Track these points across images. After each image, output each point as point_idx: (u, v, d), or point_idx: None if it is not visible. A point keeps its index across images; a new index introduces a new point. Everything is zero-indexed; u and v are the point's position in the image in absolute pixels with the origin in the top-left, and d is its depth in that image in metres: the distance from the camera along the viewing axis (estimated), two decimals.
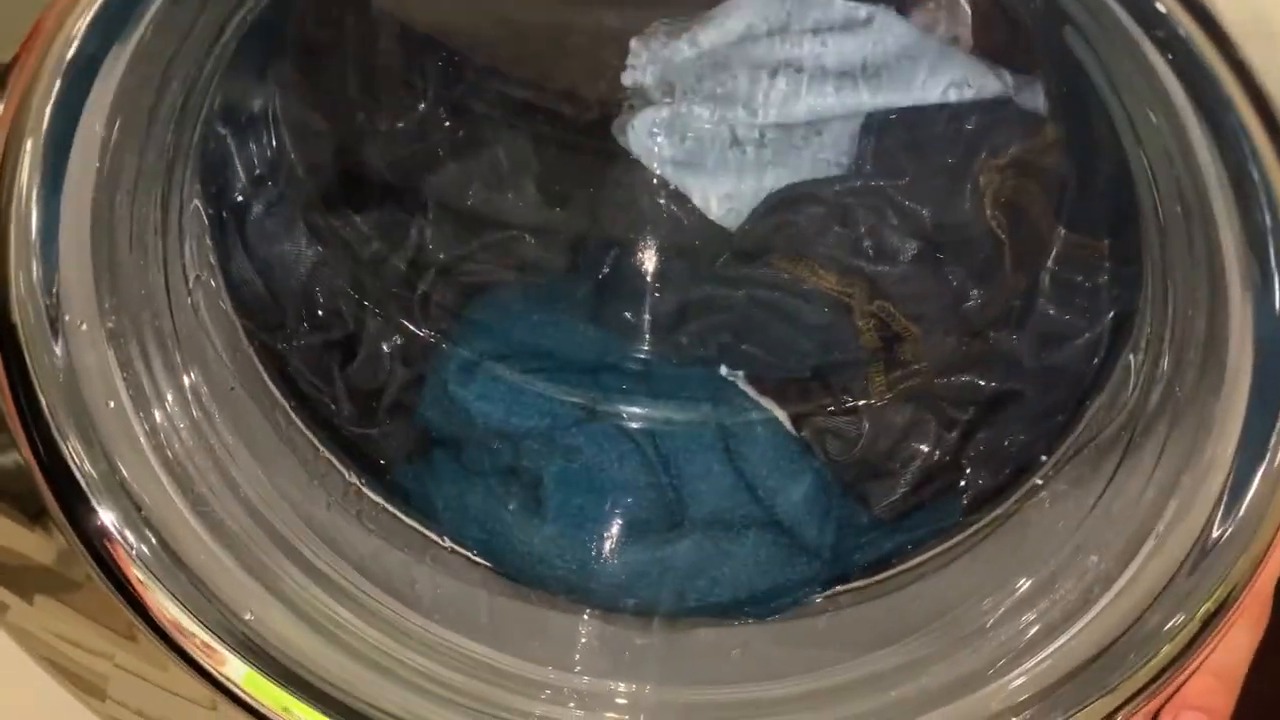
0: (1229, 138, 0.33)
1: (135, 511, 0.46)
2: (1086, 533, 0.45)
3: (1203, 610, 0.38)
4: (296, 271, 0.58)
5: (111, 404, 0.46)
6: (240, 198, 0.56)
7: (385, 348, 0.59)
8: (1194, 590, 0.39)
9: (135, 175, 0.45)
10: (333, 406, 0.58)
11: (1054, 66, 0.52)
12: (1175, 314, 0.42)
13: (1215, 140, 0.34)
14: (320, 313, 0.59)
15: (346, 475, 0.56)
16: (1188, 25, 0.31)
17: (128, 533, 0.45)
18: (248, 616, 0.47)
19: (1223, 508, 0.37)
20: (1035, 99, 0.53)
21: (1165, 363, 0.43)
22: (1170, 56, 0.33)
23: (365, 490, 0.56)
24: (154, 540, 0.46)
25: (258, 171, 0.56)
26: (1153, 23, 0.32)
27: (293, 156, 0.58)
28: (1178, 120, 0.35)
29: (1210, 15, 0.31)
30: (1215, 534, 0.38)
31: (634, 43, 0.55)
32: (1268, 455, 0.35)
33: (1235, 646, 0.40)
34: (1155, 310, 0.44)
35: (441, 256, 0.59)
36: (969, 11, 0.53)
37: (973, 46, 0.53)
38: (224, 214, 0.55)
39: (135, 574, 0.45)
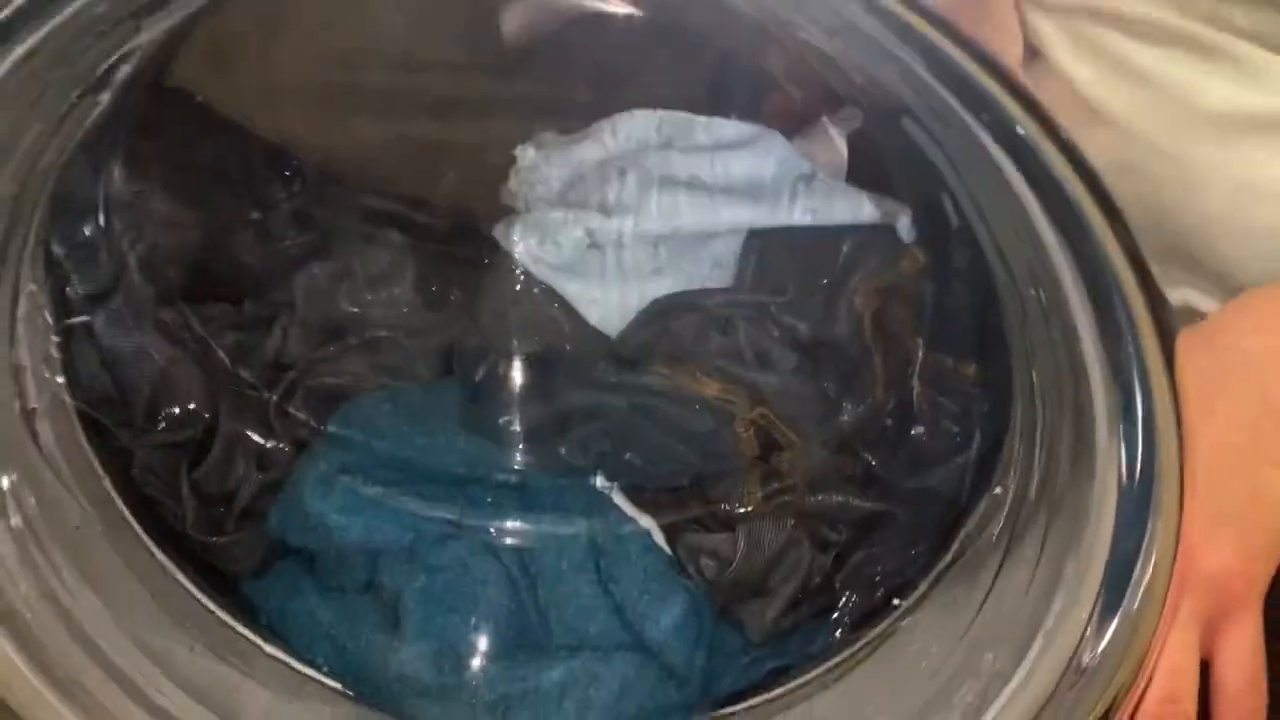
0: (1067, 218, 0.34)
1: None
2: (978, 632, 0.44)
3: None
4: (145, 369, 0.55)
5: None
6: (82, 295, 0.53)
7: (238, 452, 0.56)
8: (1080, 699, 0.38)
9: None
10: (178, 512, 0.54)
11: (919, 197, 0.54)
12: (1044, 405, 0.42)
13: (1055, 222, 0.35)
14: (169, 411, 0.55)
15: (202, 601, 0.52)
16: (1013, 109, 0.33)
17: None
18: None
19: (1103, 598, 0.37)
20: (903, 227, 0.55)
21: (1039, 455, 0.43)
22: (1000, 140, 0.34)
23: (230, 622, 0.52)
24: None
25: (98, 269, 0.53)
26: (978, 107, 0.34)
27: (139, 250, 0.55)
28: (1019, 204, 0.36)
29: (1032, 98, 0.33)
30: (1096, 632, 0.38)
31: (518, 151, 0.56)
32: (1144, 541, 0.36)
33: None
34: (1024, 403, 0.45)
35: (305, 358, 0.57)
36: (844, 146, 0.56)
37: (846, 176, 0.56)
38: (67, 313, 0.52)
39: None
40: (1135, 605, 0.36)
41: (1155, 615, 0.35)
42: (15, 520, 0.46)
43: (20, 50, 0.35)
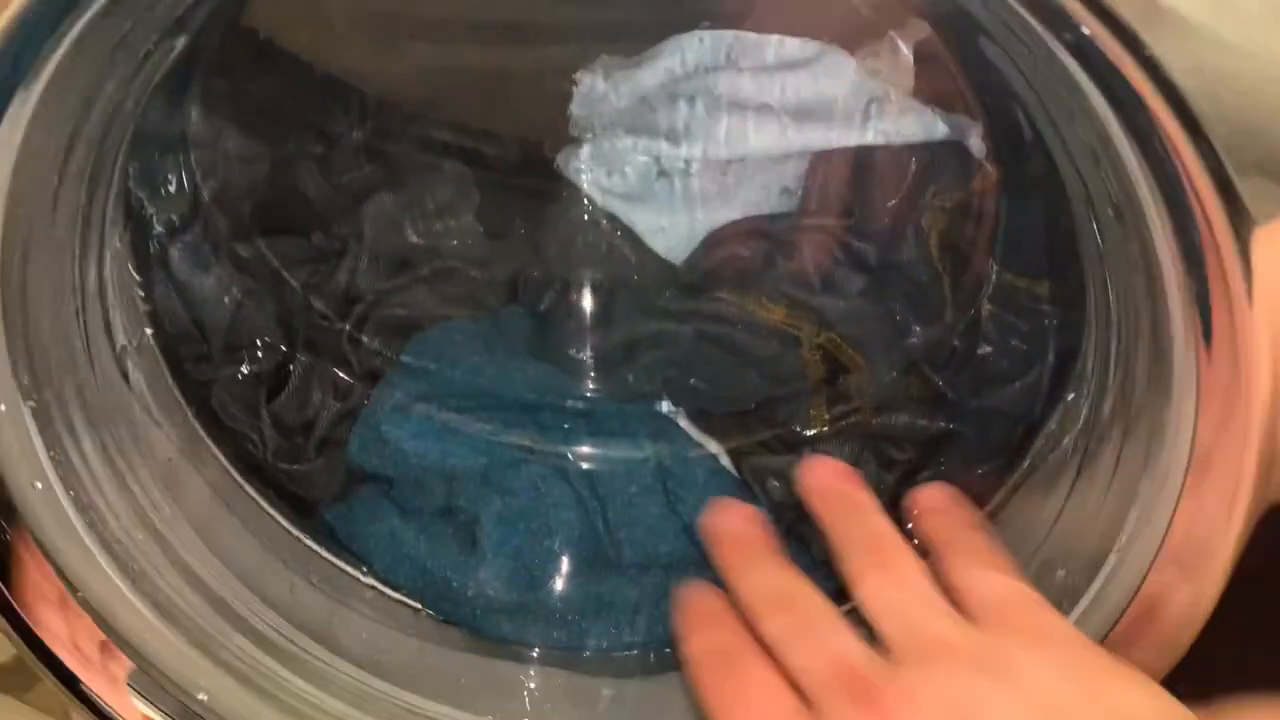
0: (1146, 135, 0.33)
1: (73, 594, 0.44)
2: (1051, 548, 0.44)
3: None
4: (222, 303, 0.56)
5: (39, 485, 0.44)
6: (162, 231, 0.54)
7: (314, 382, 0.57)
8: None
9: (45, 248, 0.43)
10: (258, 442, 0.56)
11: (991, 111, 0.53)
12: (1120, 325, 0.42)
13: (1135, 139, 0.34)
14: (246, 345, 0.57)
15: (285, 525, 0.54)
16: (1092, 25, 0.32)
17: (68, 621, 0.43)
18: (201, 697, 0.45)
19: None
20: (974, 142, 0.54)
21: (1115, 372, 0.43)
22: (1081, 60, 0.33)
23: (316, 549, 0.54)
24: (96, 625, 0.44)
25: (176, 206, 0.55)
26: (1060, 26, 0.33)
27: (213, 186, 0.56)
28: (1100, 125, 0.35)
29: (1113, 14, 0.31)
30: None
31: (578, 76, 0.56)
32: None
33: None
34: (1100, 322, 0.44)
35: (375, 289, 0.58)
36: (911, 57, 0.55)
37: (914, 91, 0.55)
38: (148, 252, 0.53)
39: (78, 666, 0.44)
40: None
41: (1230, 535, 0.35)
42: (134, 487, 0.48)
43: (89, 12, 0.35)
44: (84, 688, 0.44)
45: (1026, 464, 0.49)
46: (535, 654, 0.53)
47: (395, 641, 0.52)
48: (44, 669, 0.44)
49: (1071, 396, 0.49)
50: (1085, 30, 0.32)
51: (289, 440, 0.56)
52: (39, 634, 0.43)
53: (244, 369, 0.56)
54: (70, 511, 0.45)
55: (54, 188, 0.43)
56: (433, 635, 0.54)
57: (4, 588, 0.43)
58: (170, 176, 0.53)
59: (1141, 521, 0.39)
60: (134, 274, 0.52)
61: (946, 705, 0.34)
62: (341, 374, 0.57)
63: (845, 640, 0.37)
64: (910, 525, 0.53)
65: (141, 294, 0.53)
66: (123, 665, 0.45)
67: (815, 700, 0.36)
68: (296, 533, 0.55)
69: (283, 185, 0.58)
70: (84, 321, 0.47)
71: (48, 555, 0.44)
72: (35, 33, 0.35)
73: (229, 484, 0.54)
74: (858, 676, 0.35)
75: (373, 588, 0.54)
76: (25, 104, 0.37)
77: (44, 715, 0.52)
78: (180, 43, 0.44)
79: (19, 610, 0.43)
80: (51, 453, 0.44)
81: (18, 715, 0.49)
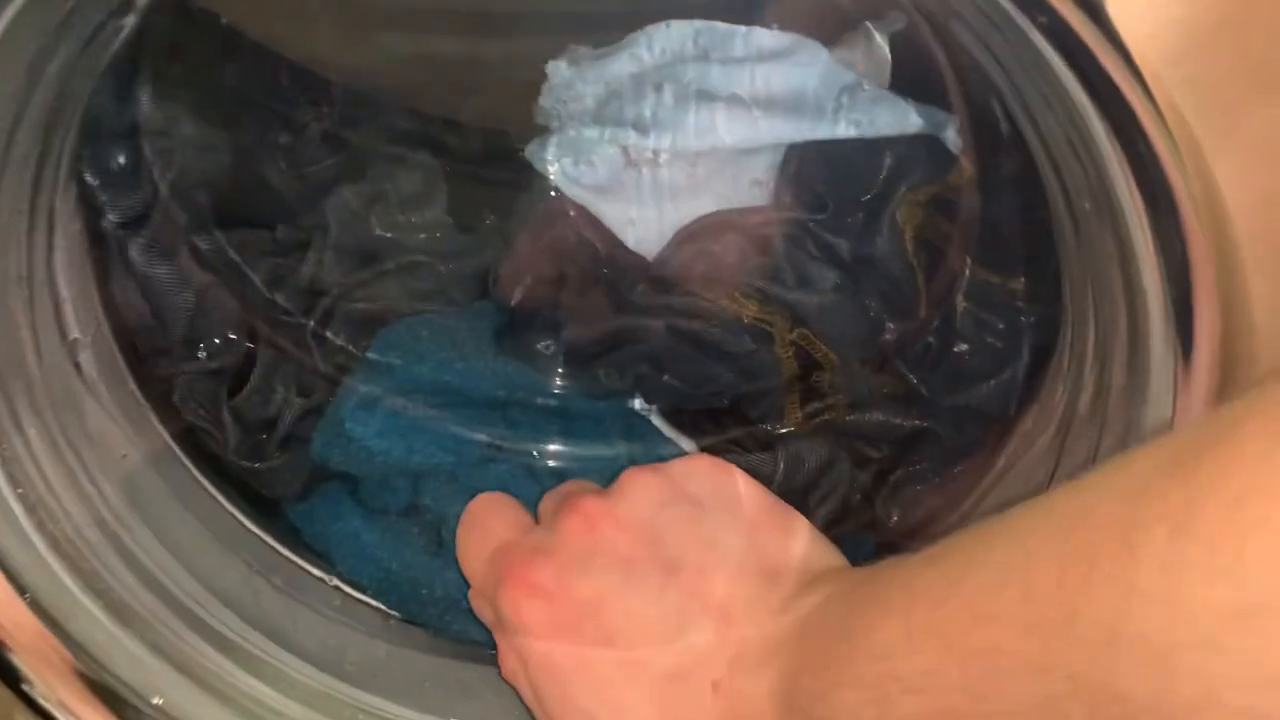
0: (1123, 125, 0.33)
1: (20, 595, 0.42)
2: None
3: None
4: (181, 296, 0.55)
5: None
6: (117, 220, 0.52)
7: (277, 378, 0.56)
8: None
9: None
10: (219, 439, 0.54)
11: (967, 103, 0.53)
12: (1097, 321, 0.41)
13: (1112, 129, 0.34)
14: (206, 340, 0.55)
15: (247, 525, 0.53)
16: (1067, 11, 0.31)
17: (12, 619, 0.42)
18: (156, 701, 0.44)
19: None
20: (949, 136, 0.53)
21: (1090, 370, 0.42)
22: (1056, 45, 0.33)
23: (279, 549, 0.53)
24: (45, 626, 0.43)
25: (131, 195, 0.53)
26: (1033, 9, 0.32)
27: (170, 176, 0.55)
28: (1078, 115, 0.35)
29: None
30: None
31: (549, 67, 0.55)
32: None
33: None
34: (1076, 320, 0.44)
35: (339, 284, 0.56)
36: (887, 50, 0.54)
37: (890, 84, 0.54)
38: (103, 242, 0.52)
39: (23, 667, 0.42)
40: None
41: None
42: (86, 484, 0.47)
43: None
44: (29, 690, 0.43)
45: (1001, 462, 0.49)
46: None
47: (359, 643, 0.51)
48: None
49: (1046, 394, 0.48)
50: (1059, 12, 0.32)
51: (251, 437, 0.55)
52: None
53: (205, 364, 0.55)
54: (17, 510, 0.44)
55: None
56: (397, 637, 0.53)
57: None
58: (123, 164, 0.52)
59: None
60: (88, 265, 0.51)
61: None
62: (305, 370, 0.56)
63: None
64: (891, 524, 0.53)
65: (96, 285, 0.51)
66: (71, 668, 0.44)
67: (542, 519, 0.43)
68: (258, 532, 0.54)
69: (244, 176, 0.56)
70: (32, 312, 0.46)
71: None
72: None
73: (188, 482, 0.53)
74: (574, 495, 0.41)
75: (337, 589, 0.53)
76: None
77: None
78: (129, 22, 0.43)
79: None
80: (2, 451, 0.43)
81: None
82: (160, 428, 0.52)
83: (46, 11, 0.36)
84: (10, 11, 0.34)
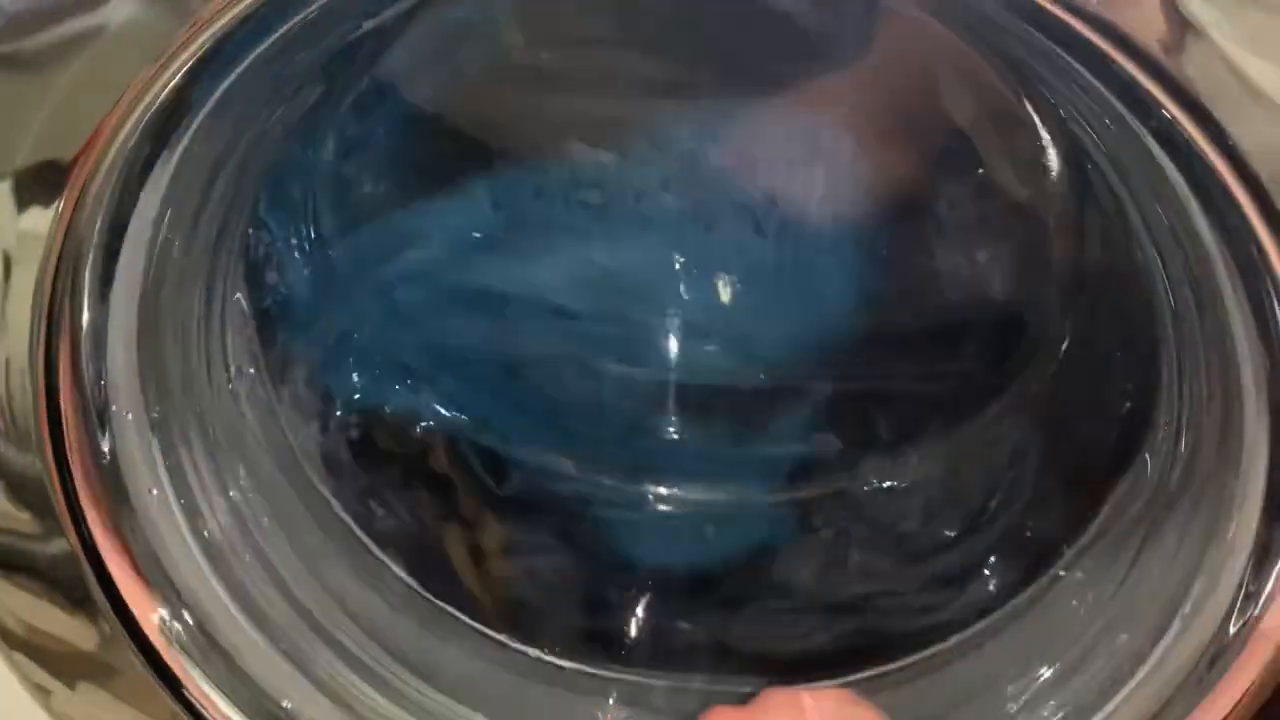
0: (1228, 222, 0.35)
1: (176, 597, 0.46)
2: (1115, 612, 0.45)
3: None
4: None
5: (154, 491, 0.46)
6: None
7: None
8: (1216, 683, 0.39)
9: (180, 271, 0.46)
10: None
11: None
12: (1191, 395, 0.43)
13: (1216, 224, 0.35)
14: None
15: (394, 568, 0.55)
16: (1174, 111, 0.33)
17: (168, 618, 0.46)
18: (286, 704, 0.47)
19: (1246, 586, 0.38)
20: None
21: (1184, 442, 0.44)
22: (1165, 145, 0.35)
23: (414, 586, 0.55)
24: (194, 626, 0.46)
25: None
26: (1146, 115, 0.34)
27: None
28: (1181, 207, 0.37)
29: (1201, 105, 0.33)
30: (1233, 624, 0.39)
31: None
32: None
33: None
34: (1170, 393, 0.45)
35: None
36: None
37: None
38: (266, 304, 0.55)
39: (176, 660, 0.46)
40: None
41: None
42: (236, 496, 0.50)
43: (260, 49, 0.38)
44: (182, 686, 0.46)
45: (1094, 530, 0.50)
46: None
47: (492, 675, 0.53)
48: (148, 667, 0.46)
49: (1139, 463, 0.50)
50: (1168, 116, 0.33)
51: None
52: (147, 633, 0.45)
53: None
54: (180, 519, 0.47)
55: (195, 215, 0.45)
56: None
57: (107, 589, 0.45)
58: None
59: (1207, 589, 0.40)
60: (246, 309, 0.54)
61: None
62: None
63: None
64: None
65: (255, 329, 0.54)
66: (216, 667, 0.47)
67: None
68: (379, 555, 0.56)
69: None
70: (205, 346, 0.49)
71: (155, 558, 0.46)
72: (221, 67, 0.38)
73: (338, 525, 0.55)
74: None
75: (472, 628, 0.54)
76: (175, 149, 0.40)
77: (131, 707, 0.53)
78: (318, 90, 0.47)
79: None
80: (167, 460, 0.47)
81: (102, 706, 0.50)
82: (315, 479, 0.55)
83: (262, 75, 0.40)
84: (240, 68, 0.38)
